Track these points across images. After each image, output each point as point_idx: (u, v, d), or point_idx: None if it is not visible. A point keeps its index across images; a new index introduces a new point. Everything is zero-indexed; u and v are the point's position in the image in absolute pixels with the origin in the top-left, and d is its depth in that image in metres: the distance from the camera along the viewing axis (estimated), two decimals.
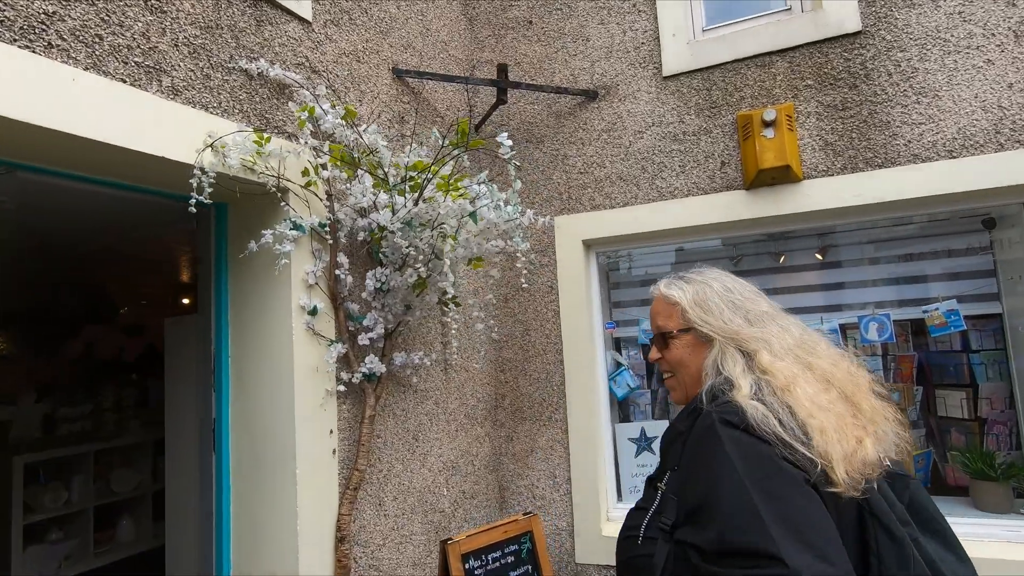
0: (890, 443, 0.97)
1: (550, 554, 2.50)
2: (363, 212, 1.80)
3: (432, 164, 1.55)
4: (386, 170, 1.66)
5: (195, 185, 1.38)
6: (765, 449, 0.87)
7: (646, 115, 2.59)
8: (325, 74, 1.95)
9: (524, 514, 2.15)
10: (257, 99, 1.70)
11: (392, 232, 1.57)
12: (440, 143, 1.61)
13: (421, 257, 1.65)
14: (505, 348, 2.76)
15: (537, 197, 2.76)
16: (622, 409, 2.84)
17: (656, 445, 2.71)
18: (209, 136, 1.41)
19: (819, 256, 2.62)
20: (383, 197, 1.67)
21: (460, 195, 1.62)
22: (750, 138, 2.31)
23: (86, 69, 1.28)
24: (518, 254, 1.74)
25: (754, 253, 2.72)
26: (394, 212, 1.57)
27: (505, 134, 1.55)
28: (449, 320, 2.29)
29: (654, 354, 1.21)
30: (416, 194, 1.61)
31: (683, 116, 2.52)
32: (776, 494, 0.83)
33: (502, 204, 1.68)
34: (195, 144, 1.46)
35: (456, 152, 1.59)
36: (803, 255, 2.65)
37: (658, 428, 2.74)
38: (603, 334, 2.74)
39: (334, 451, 1.81)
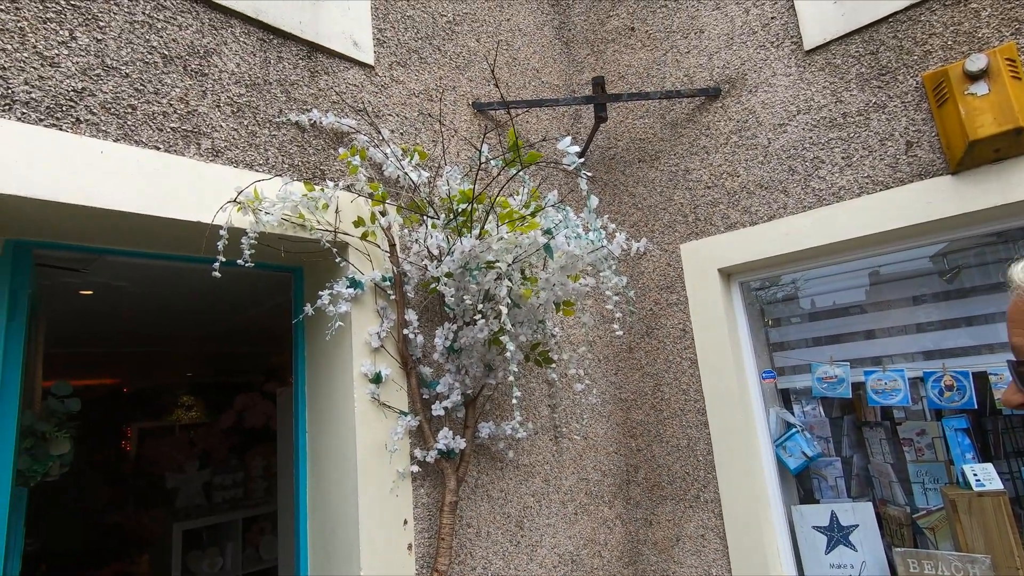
0: None
1: None
2: (428, 261, 1.55)
3: (481, 189, 1.24)
4: (435, 208, 1.40)
5: (221, 248, 1.24)
6: None
7: (788, 103, 2.03)
8: (392, 117, 1.80)
9: None
10: (310, 151, 1.57)
11: (437, 279, 1.28)
12: (487, 162, 1.31)
13: (480, 307, 1.33)
14: (634, 408, 2.28)
15: (657, 224, 2.30)
16: (803, 485, 2.15)
17: (856, 536, 1.96)
18: (236, 190, 1.27)
19: None
20: (439, 239, 1.41)
21: (526, 225, 1.29)
22: (948, 101, 1.64)
23: (116, 140, 1.24)
24: (608, 292, 1.33)
25: (978, 264, 1.92)
26: (438, 255, 1.28)
27: (569, 139, 1.20)
28: (554, 378, 1.92)
29: (1011, 395, 0.70)
30: (471, 230, 1.32)
31: (840, 94, 1.92)
32: None
33: (581, 231, 1.30)
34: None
35: (514, 173, 1.27)
36: None
37: (857, 513, 1.99)
38: (760, 386, 2.13)
39: (410, 546, 1.52)
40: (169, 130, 1.32)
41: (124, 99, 1.27)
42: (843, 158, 1.89)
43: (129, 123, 1.26)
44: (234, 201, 1.26)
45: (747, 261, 2.06)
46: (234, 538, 3.83)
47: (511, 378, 1.20)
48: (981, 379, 1.82)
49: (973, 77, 1.59)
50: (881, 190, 1.81)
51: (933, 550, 1.85)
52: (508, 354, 1.18)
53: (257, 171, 1.44)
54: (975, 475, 1.79)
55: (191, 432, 4.49)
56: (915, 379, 1.94)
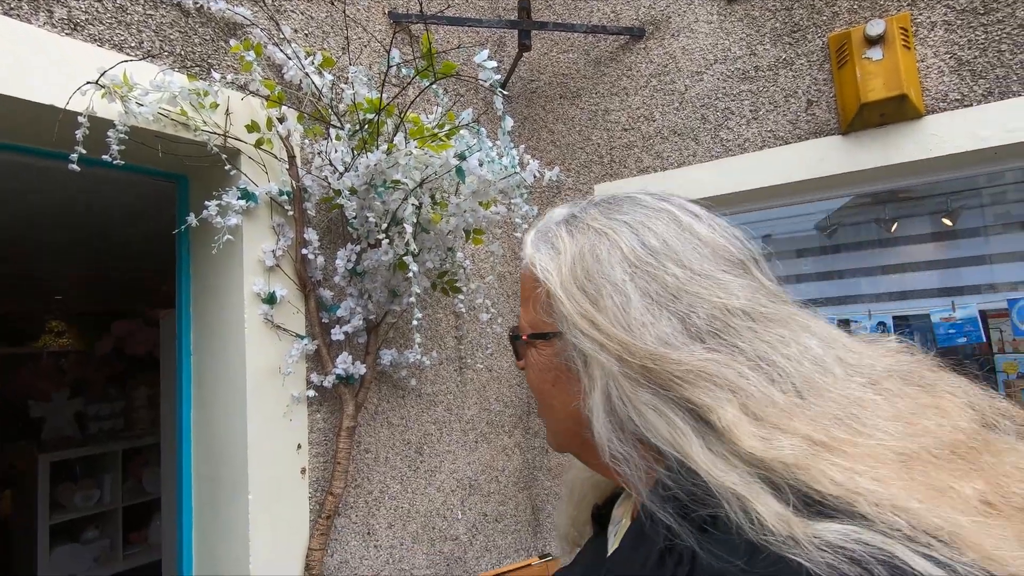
0: None
1: None
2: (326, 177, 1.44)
3: (390, 99, 1.15)
4: (340, 116, 1.29)
5: (80, 138, 1.07)
6: None
7: (707, 51, 2.06)
8: (295, 15, 1.61)
9: (540, 557, 1.72)
10: (195, 40, 1.38)
11: (339, 193, 1.20)
12: (398, 68, 1.22)
13: (386, 229, 1.27)
14: None
15: (574, 163, 2.30)
16: None
17: None
18: (98, 71, 1.09)
19: (948, 222, 1.98)
20: (343, 152, 1.30)
21: (438, 144, 1.22)
22: (848, 64, 1.74)
23: None
24: (518, 221, 1.31)
25: (853, 223, 2.11)
26: (342, 170, 1.19)
27: (486, 52, 1.13)
28: (462, 310, 1.91)
29: (519, 362, 0.64)
30: (377, 144, 1.23)
31: (755, 47, 1.97)
32: None
33: (495, 156, 1.26)
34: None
35: (426, 84, 1.18)
36: (923, 222, 2.02)
37: None
38: None
39: (303, 470, 1.48)
40: None
41: None
42: (751, 111, 1.97)
43: None
44: (96, 83, 1.08)
45: None
46: (113, 470, 3.58)
47: (412, 299, 1.16)
48: (843, 326, 2.04)
49: (871, 42, 1.69)
50: (781, 145, 1.91)
51: None
52: (411, 275, 1.14)
53: (128, 54, 1.25)
54: None
55: (61, 360, 4.06)
56: None
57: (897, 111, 1.69)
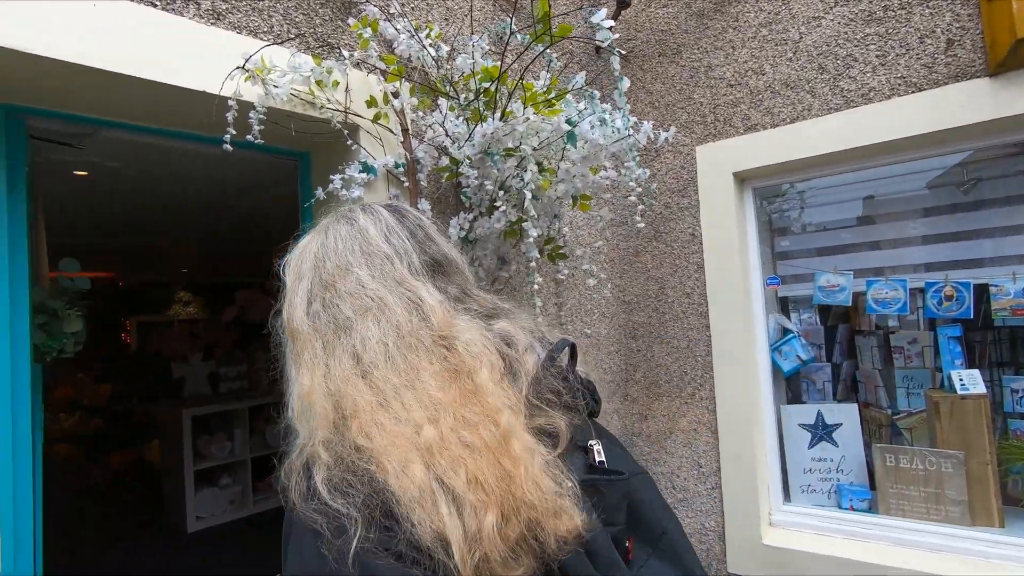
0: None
1: None
2: (444, 148, 1.49)
3: (506, 67, 1.16)
4: (456, 88, 1.32)
5: (231, 119, 1.17)
6: None
7: None
8: None
9: None
10: (317, 21, 1.46)
11: (457, 163, 1.24)
12: (511, 36, 1.22)
13: (503, 194, 1.30)
14: (636, 310, 2.32)
15: (674, 123, 2.22)
16: (792, 387, 2.25)
17: (839, 433, 2.09)
18: (242, 56, 1.18)
19: None
20: (459, 123, 1.34)
21: (550, 109, 1.22)
22: None
23: None
24: (632, 184, 1.30)
25: (1002, 175, 1.89)
26: (454, 140, 1.22)
27: (604, 11, 1.11)
28: (563, 276, 1.93)
29: None
30: (493, 112, 1.25)
31: None
32: None
33: (606, 118, 1.24)
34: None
35: (540, 50, 1.18)
36: None
37: (841, 414, 2.10)
38: (764, 293, 2.16)
39: None
40: None
41: None
42: (878, 56, 1.80)
43: None
44: (242, 68, 1.17)
45: (765, 165, 2.01)
46: (241, 426, 4.01)
47: (532, 264, 1.19)
48: (981, 290, 1.86)
49: None
50: (914, 92, 1.74)
51: (908, 446, 1.98)
52: (531, 240, 1.16)
53: (261, 39, 1.34)
54: (961, 380, 1.87)
55: (193, 326, 4.54)
56: (915, 290, 1.97)
57: None
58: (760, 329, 2.13)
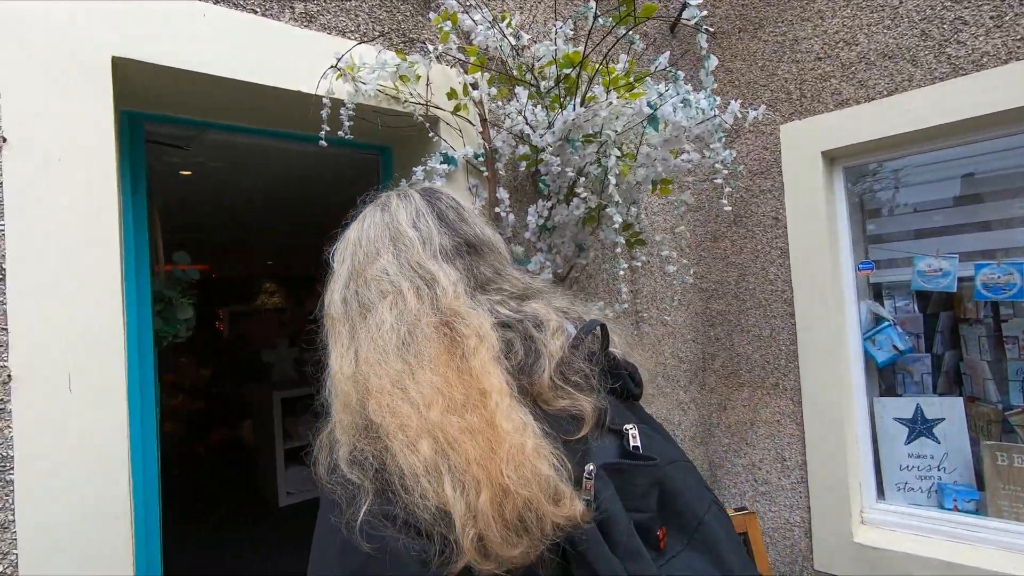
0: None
1: (774, 552, 2.00)
2: (522, 136, 1.50)
3: (587, 52, 1.15)
4: (536, 76, 1.33)
5: (325, 116, 1.24)
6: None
7: None
8: None
9: (736, 510, 1.70)
10: (399, 16, 1.50)
11: (538, 150, 1.24)
12: (594, 19, 1.21)
13: (583, 180, 1.29)
14: (714, 298, 2.25)
15: (757, 101, 2.12)
16: (885, 379, 2.11)
17: (940, 429, 1.94)
18: (335, 56, 1.24)
19: None
20: (538, 111, 1.35)
21: (631, 92, 1.20)
22: None
23: (216, 3, 1.21)
24: (718, 166, 1.26)
25: None
26: (534, 128, 1.23)
27: None
28: (638, 263, 1.90)
29: None
30: (573, 98, 1.25)
31: None
32: None
33: (690, 98, 1.21)
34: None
35: (624, 32, 1.16)
36: None
37: (943, 408, 1.96)
38: (855, 278, 2.04)
39: None
40: None
41: None
42: (992, 17, 1.64)
43: None
44: (335, 67, 1.23)
45: (858, 143, 1.89)
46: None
47: (618, 250, 1.19)
48: None
49: None
50: None
51: (1022, 444, 1.81)
52: (616, 226, 1.16)
53: (349, 38, 1.40)
54: None
55: (279, 315, 4.84)
56: None
57: None
58: (851, 317, 2.01)
